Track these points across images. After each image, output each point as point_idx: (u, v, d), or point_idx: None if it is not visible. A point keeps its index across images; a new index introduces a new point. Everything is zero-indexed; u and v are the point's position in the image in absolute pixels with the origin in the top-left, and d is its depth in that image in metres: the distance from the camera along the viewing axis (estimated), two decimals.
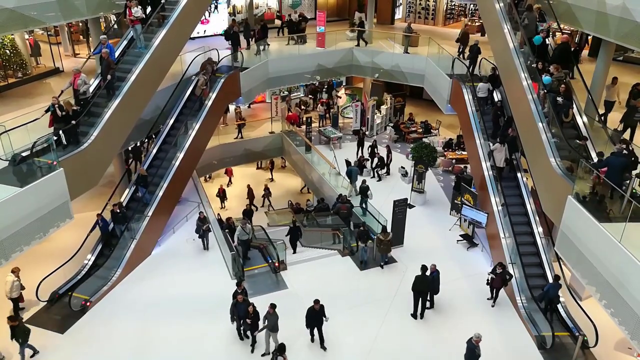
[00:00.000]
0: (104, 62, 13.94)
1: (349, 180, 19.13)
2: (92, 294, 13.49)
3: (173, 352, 12.02)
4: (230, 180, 25.39)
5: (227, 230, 16.56)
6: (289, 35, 23.28)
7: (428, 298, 13.28)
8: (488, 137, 16.34)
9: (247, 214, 19.18)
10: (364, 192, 17.71)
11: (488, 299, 13.75)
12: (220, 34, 25.32)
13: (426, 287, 12.94)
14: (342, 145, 23.46)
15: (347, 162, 20.30)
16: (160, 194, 15.73)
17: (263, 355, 11.87)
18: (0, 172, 11.01)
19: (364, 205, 17.81)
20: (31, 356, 11.64)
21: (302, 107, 26.96)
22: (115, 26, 18.14)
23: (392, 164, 20.88)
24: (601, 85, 14.74)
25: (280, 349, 10.68)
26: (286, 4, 29.86)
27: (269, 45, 22.10)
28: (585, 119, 12.65)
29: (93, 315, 13.04)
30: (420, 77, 21.83)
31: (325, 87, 27.88)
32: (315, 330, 12.08)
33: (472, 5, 30.24)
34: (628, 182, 9.99)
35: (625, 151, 10.33)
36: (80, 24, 25.22)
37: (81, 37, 26.09)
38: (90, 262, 14.33)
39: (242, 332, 12.29)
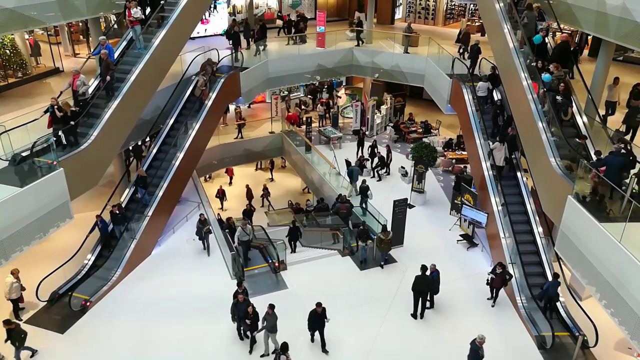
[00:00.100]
0: (103, 63, 13.93)
1: (349, 180, 19.14)
2: (92, 294, 13.49)
3: (173, 352, 12.02)
4: (231, 180, 25.41)
5: (227, 230, 16.56)
6: (288, 35, 23.29)
7: (428, 298, 13.28)
8: (488, 136, 16.35)
9: (247, 214, 19.19)
10: (364, 192, 17.72)
11: (488, 299, 13.75)
12: (221, 34, 25.39)
13: (426, 287, 12.93)
14: (342, 145, 23.45)
15: (347, 162, 20.30)
16: (160, 194, 15.72)
17: (262, 356, 11.86)
18: (0, 172, 11.01)
19: (364, 205, 17.82)
20: (31, 356, 11.62)
21: (302, 107, 26.95)
22: (115, 26, 18.14)
23: (392, 164, 20.89)
24: (601, 85, 14.73)
25: (283, 348, 10.67)
26: (286, 4, 29.87)
27: (266, 45, 22.07)
28: (585, 119, 12.65)
29: (93, 315, 13.04)
30: (420, 77, 21.83)
31: (326, 87, 27.89)
32: (317, 334, 12.04)
33: (472, 5, 30.23)
34: (628, 181, 9.99)
35: (623, 150, 10.33)
36: (80, 24, 25.23)
37: (81, 37, 26.09)
38: (90, 262, 14.34)
39: (242, 332, 12.29)
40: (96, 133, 13.18)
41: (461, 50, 21.37)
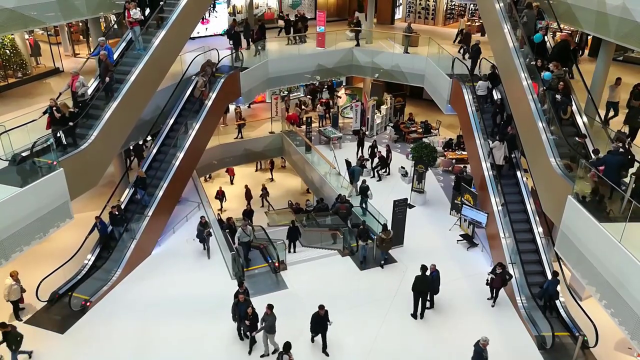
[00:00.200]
0: (102, 64, 13.92)
1: (349, 180, 19.12)
2: (92, 294, 13.49)
3: (173, 352, 12.02)
4: (232, 180, 25.41)
5: (227, 231, 16.55)
6: (288, 35, 23.27)
7: (428, 298, 13.28)
8: (488, 136, 16.35)
9: (248, 214, 19.18)
10: (364, 192, 17.72)
11: (488, 299, 13.75)
12: (221, 34, 25.39)
13: (426, 287, 12.93)
14: (342, 146, 23.45)
15: (348, 163, 20.30)
16: (160, 194, 15.72)
17: (262, 356, 11.85)
18: (0, 172, 11.00)
19: (364, 205, 17.82)
20: (29, 358, 11.60)
21: (302, 107, 26.95)
22: (115, 26, 18.14)
23: (392, 164, 20.88)
24: (601, 85, 14.72)
25: (286, 347, 10.67)
26: (286, 4, 29.86)
27: (265, 45, 22.02)
28: (585, 119, 12.65)
29: (93, 315, 13.04)
30: (420, 77, 21.83)
31: (326, 87, 27.88)
32: (319, 336, 12.01)
33: (472, 5, 30.23)
34: (627, 181, 9.98)
35: (621, 149, 10.33)
36: (80, 24, 25.20)
37: (81, 37, 26.07)
38: (90, 262, 14.33)
39: (242, 332, 12.29)
40: (96, 133, 13.17)
41: (462, 51, 21.38)
